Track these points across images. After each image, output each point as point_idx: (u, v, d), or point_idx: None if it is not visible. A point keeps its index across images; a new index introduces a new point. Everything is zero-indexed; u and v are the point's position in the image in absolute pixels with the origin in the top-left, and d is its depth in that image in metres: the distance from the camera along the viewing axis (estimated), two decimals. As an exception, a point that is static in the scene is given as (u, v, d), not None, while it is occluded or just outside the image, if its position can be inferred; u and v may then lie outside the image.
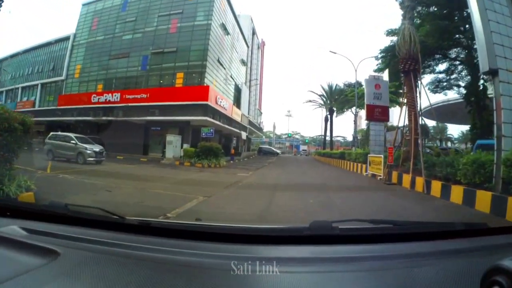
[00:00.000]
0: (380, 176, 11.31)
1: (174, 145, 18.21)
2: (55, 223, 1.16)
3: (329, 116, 36.48)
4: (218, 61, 24.11)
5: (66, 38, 27.96)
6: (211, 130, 19.36)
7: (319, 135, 57.56)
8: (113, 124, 21.79)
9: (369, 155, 13.36)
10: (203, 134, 19.21)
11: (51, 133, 14.81)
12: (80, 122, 23.08)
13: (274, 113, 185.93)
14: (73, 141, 13.40)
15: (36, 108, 27.75)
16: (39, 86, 29.00)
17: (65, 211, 1.23)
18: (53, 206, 1.29)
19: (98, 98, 22.62)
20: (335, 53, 25.32)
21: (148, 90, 21.49)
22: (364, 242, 1.06)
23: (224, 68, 26.09)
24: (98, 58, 25.11)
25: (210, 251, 0.95)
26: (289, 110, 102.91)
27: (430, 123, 40.12)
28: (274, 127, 66.68)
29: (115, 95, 21.99)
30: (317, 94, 38.05)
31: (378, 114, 14.64)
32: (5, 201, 1.67)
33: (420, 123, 10.57)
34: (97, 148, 13.40)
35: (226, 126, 24.28)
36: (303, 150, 62.27)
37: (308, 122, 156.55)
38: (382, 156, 11.85)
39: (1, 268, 0.83)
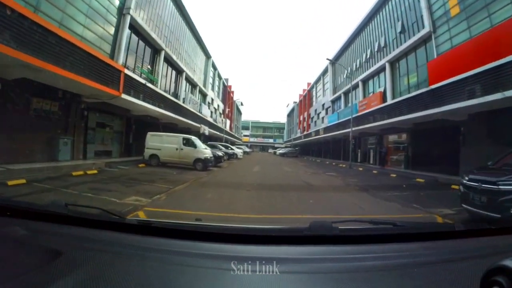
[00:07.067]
0: None
1: None
2: (55, 223, 1.15)
3: None
4: None
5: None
6: None
7: None
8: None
9: None
10: None
11: None
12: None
13: None
14: None
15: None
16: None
17: (65, 211, 1.19)
18: (53, 206, 1.25)
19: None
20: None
21: None
22: (364, 242, 1.04)
23: None
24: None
25: (210, 251, 0.93)
26: None
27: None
28: None
29: None
30: None
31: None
32: (5, 201, 1.42)
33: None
34: None
35: None
36: None
37: None
38: None
39: (1, 268, 0.82)
